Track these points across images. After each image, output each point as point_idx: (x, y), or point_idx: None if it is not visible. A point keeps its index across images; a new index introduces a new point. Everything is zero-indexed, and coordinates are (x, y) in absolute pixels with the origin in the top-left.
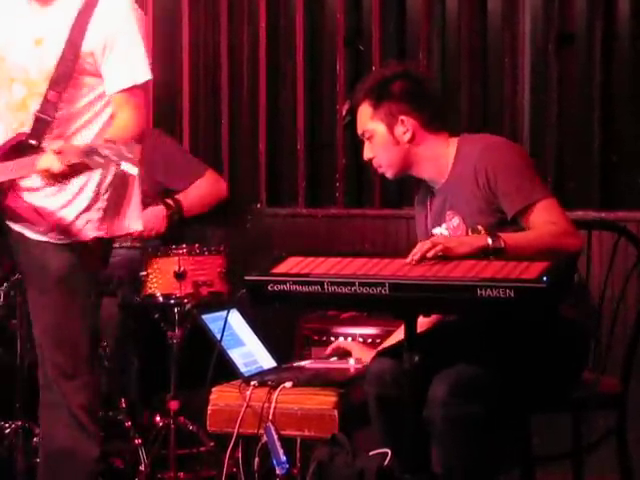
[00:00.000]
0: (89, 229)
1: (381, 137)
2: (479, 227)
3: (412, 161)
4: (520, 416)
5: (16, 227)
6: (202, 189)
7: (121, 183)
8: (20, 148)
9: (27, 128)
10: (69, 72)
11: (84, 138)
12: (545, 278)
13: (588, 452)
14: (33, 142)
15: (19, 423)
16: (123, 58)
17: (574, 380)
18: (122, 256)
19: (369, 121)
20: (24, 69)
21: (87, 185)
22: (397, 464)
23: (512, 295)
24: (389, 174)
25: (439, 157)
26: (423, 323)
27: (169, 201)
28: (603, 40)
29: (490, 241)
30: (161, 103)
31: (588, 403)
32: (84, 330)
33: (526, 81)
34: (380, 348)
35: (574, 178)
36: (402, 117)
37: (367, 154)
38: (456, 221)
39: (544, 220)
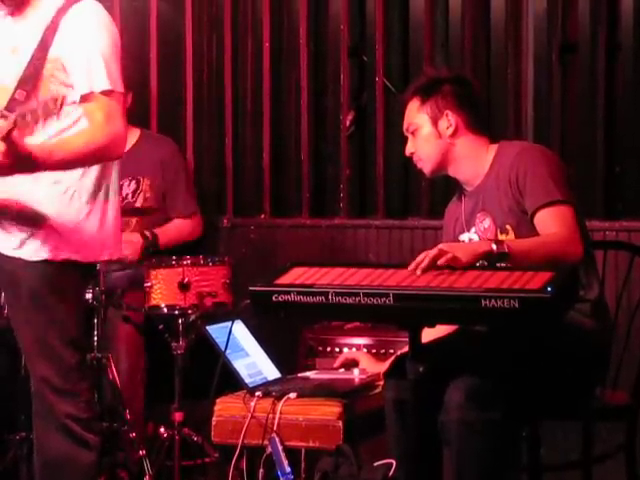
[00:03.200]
0: (61, 251)
1: (425, 130)
2: (507, 226)
3: (451, 158)
4: (531, 423)
5: None
6: (182, 231)
7: (101, 205)
8: None
9: None
10: (36, 72)
11: (40, 139)
12: (549, 288)
13: (596, 464)
14: None
15: (23, 434)
16: (83, 67)
17: (588, 389)
18: (125, 267)
19: (416, 114)
20: (1, 78)
21: (64, 205)
22: (405, 475)
23: (516, 305)
24: (427, 168)
25: (477, 158)
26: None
27: (147, 233)
28: (606, 50)
29: (494, 247)
30: (165, 115)
31: (596, 413)
32: (66, 342)
33: (529, 91)
34: (399, 353)
35: (578, 188)
36: (447, 111)
37: (409, 149)
38: (487, 222)
39: (553, 225)
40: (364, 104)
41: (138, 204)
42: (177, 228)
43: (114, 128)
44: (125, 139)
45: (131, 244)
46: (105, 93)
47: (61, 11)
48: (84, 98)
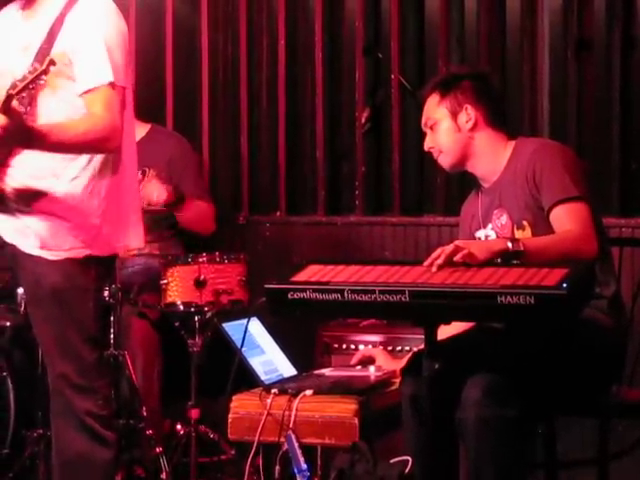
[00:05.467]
0: (82, 247)
1: (444, 124)
2: (524, 222)
3: (469, 152)
4: (547, 420)
5: (8, 239)
6: (201, 212)
7: (117, 199)
8: None
9: None
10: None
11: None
12: (565, 285)
13: (613, 461)
14: None
15: (40, 431)
16: (87, 61)
17: (604, 386)
18: (142, 264)
19: (435, 108)
20: (13, 77)
21: (82, 201)
22: (421, 472)
23: (532, 302)
24: (447, 163)
25: (495, 153)
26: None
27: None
28: (622, 46)
29: (510, 245)
30: (181, 112)
31: (612, 410)
32: (85, 339)
33: (545, 87)
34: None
35: (594, 185)
36: (467, 105)
37: (427, 143)
38: (504, 219)
39: (568, 222)
40: (379, 101)
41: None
42: (199, 209)
43: (112, 120)
44: (121, 132)
45: (160, 188)
46: (107, 85)
47: (68, 5)
48: (86, 91)
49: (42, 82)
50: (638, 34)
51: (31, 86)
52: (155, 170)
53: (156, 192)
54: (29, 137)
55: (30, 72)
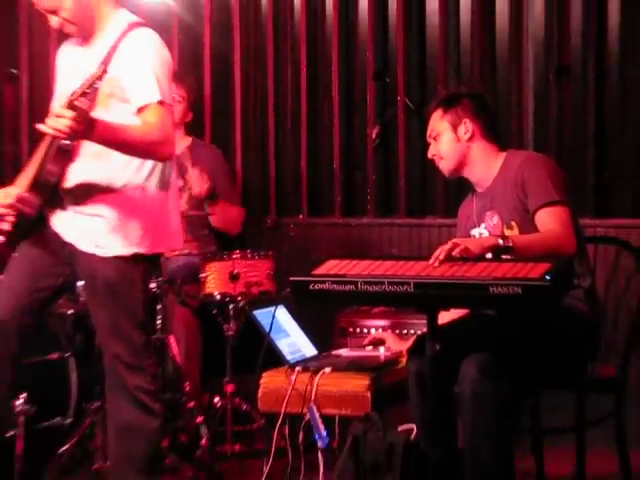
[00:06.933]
0: (130, 245)
1: (446, 135)
2: (512, 223)
3: (466, 160)
4: (533, 393)
5: (67, 239)
6: (231, 214)
7: (161, 206)
8: None
9: None
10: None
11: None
12: (548, 277)
13: (590, 428)
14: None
15: (98, 404)
16: (138, 84)
17: (582, 364)
18: (184, 261)
19: (439, 122)
20: None
21: (130, 206)
22: (424, 439)
23: (520, 292)
24: (446, 168)
25: (488, 162)
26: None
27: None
28: (596, 74)
29: (501, 241)
30: (217, 132)
31: (589, 385)
32: (135, 324)
33: (530, 108)
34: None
35: (573, 191)
36: (466, 120)
37: (431, 152)
38: (495, 219)
39: (551, 223)
40: (387, 120)
41: (183, 201)
42: (228, 210)
43: (166, 131)
44: (174, 143)
45: (198, 178)
46: (156, 103)
47: (123, 35)
48: (139, 110)
49: (97, 86)
50: (610, 64)
51: (88, 90)
52: None
53: (197, 185)
54: (98, 128)
55: (87, 80)
